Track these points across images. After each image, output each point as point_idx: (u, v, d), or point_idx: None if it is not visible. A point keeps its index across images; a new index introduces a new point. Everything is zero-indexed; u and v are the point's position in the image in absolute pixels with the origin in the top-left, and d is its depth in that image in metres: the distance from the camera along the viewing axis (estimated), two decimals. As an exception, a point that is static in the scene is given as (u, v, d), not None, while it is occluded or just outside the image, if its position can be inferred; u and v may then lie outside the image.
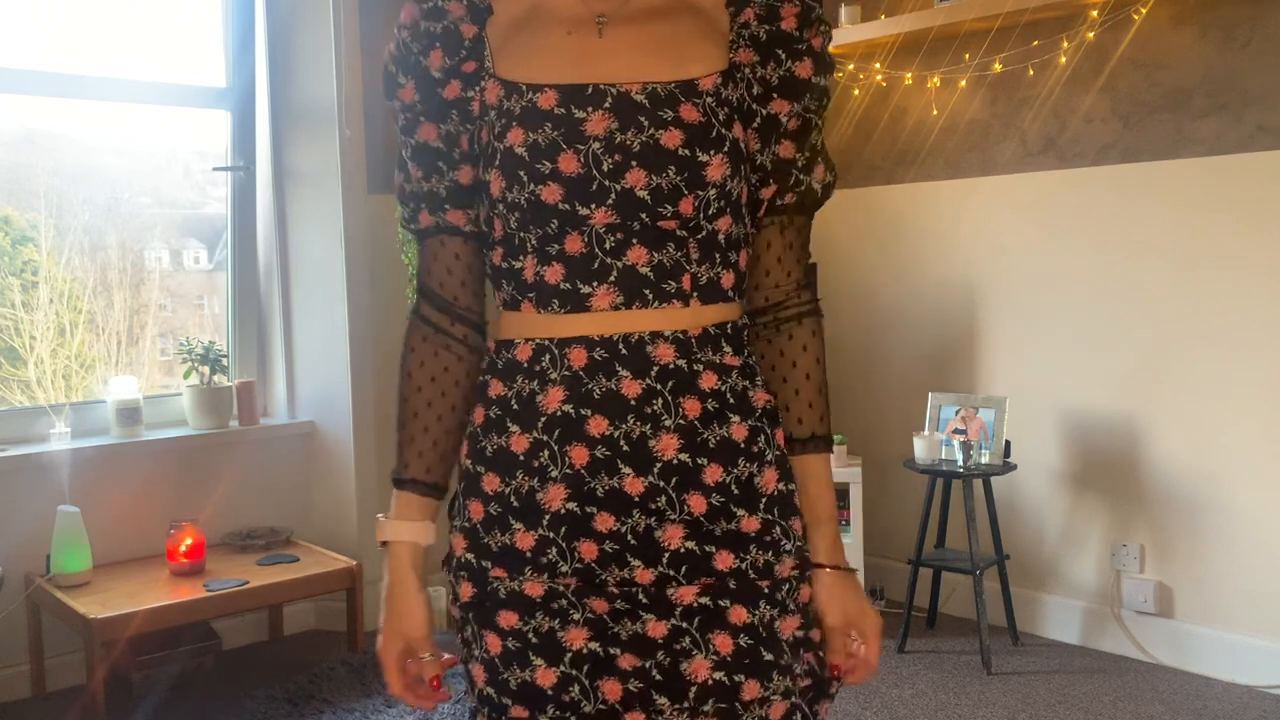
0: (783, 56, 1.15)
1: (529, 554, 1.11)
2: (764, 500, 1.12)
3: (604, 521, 1.09)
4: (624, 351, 1.10)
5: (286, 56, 3.51)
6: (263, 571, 3.09)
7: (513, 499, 1.12)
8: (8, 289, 3.28)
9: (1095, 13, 3.11)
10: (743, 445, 1.12)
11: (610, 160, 1.09)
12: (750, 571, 1.10)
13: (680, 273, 1.11)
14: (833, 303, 3.72)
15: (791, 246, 1.19)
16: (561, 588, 1.10)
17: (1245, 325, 2.97)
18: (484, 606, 1.13)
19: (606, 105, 1.10)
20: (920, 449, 3.31)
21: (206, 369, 3.37)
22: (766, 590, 1.10)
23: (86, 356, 3.44)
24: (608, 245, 1.10)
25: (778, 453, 1.15)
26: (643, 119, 1.09)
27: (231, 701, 2.93)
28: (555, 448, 1.10)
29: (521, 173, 1.10)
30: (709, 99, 1.11)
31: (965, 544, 3.27)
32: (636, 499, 1.09)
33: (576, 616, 1.10)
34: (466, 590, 1.14)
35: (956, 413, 3.35)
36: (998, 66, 3.31)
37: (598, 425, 1.09)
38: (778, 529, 1.12)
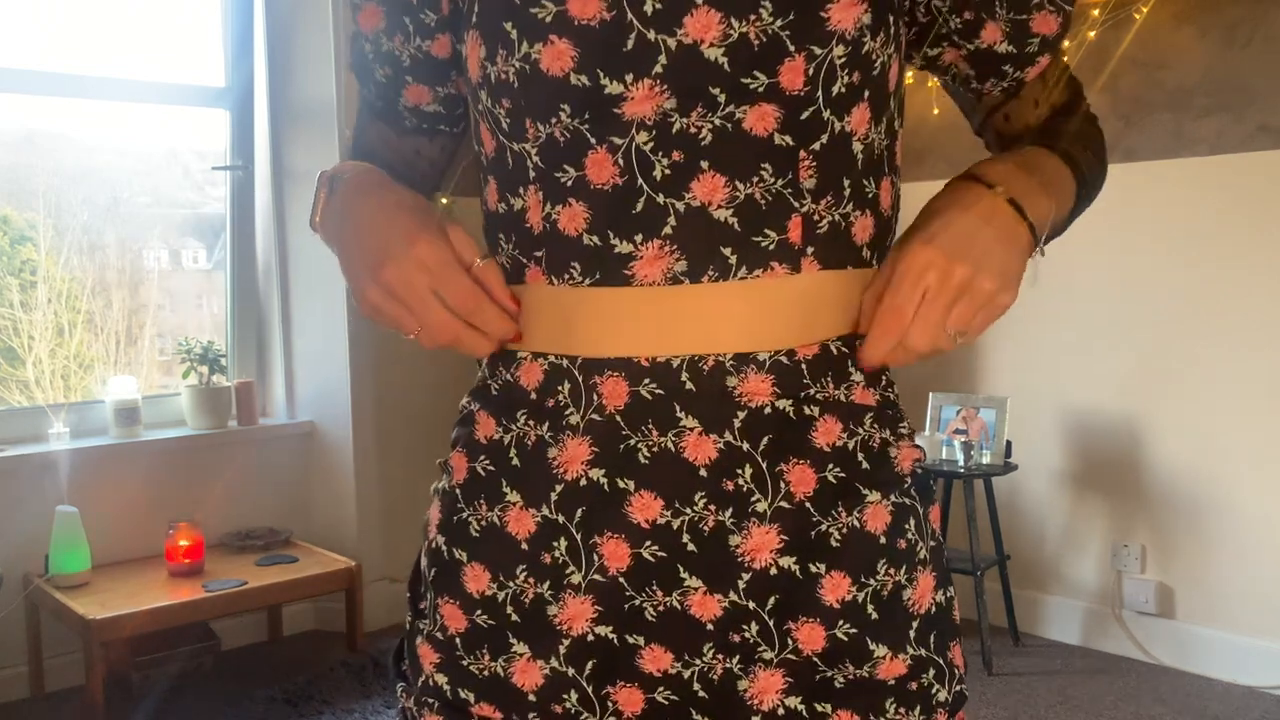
0: None
1: (533, 696, 0.73)
2: (915, 625, 0.71)
3: (655, 660, 0.70)
4: (689, 385, 0.68)
5: (286, 56, 3.50)
6: (262, 572, 3.08)
7: (510, 609, 0.73)
8: (6, 289, 3.27)
9: (1096, 11, 3.11)
10: (884, 539, 0.71)
11: None
12: None
13: (785, 213, 0.67)
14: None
15: (1025, 98, 0.82)
16: None
17: (1247, 325, 2.96)
18: None
19: None
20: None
21: (205, 369, 3.36)
22: None
23: (85, 356, 3.44)
24: (660, 164, 0.66)
25: (933, 544, 0.74)
26: None
27: (230, 702, 2.93)
28: (578, 536, 0.71)
29: (508, 24, 0.67)
30: None
31: (966, 544, 3.26)
32: (710, 627, 0.70)
33: None
34: None
35: (957, 413, 3.34)
36: (998, 66, 3.31)
37: (645, 507, 0.70)
38: (932, 670, 0.71)
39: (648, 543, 0.69)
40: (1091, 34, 3.14)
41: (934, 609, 0.72)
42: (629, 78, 0.64)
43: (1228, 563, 3.04)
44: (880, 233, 0.71)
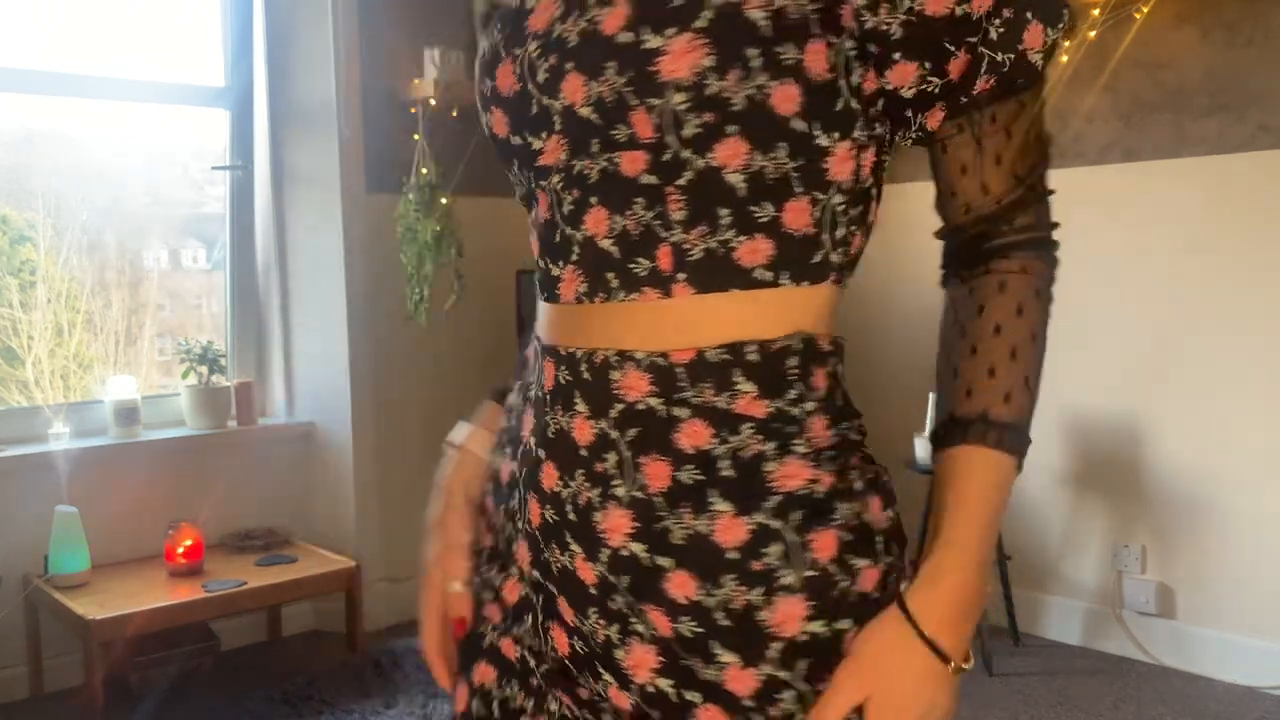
0: None
1: (511, 610, 0.86)
2: (774, 648, 0.73)
3: (565, 611, 0.79)
4: (586, 375, 0.77)
5: (285, 55, 3.50)
6: (261, 572, 3.08)
7: (500, 536, 0.87)
8: (5, 289, 3.27)
9: (1097, 11, 3.10)
10: (735, 555, 0.73)
11: (547, 64, 0.75)
12: None
13: (653, 243, 0.74)
14: (833, 302, 3.72)
15: (986, 150, 0.78)
16: (536, 667, 0.84)
17: (1247, 325, 2.96)
18: (471, 638, 0.89)
19: None
20: (921, 450, 3.30)
21: (205, 369, 3.36)
22: None
23: (85, 356, 3.44)
24: (565, 201, 0.77)
25: (811, 574, 0.73)
26: None
27: (230, 702, 2.93)
28: (522, 490, 0.82)
29: (477, 100, 0.83)
30: None
31: (966, 544, 3.26)
32: (593, 591, 0.77)
33: (552, 707, 0.84)
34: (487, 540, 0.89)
35: (957, 413, 3.34)
36: (998, 66, 3.31)
37: (548, 476, 0.79)
38: (790, 696, 0.73)
39: (548, 507, 0.79)
40: (1091, 34, 3.14)
41: (803, 639, 0.73)
42: (542, 134, 0.77)
43: (1228, 563, 3.04)
44: (794, 250, 0.74)
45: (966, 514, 0.78)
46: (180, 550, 3.05)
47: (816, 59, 0.70)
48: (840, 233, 0.76)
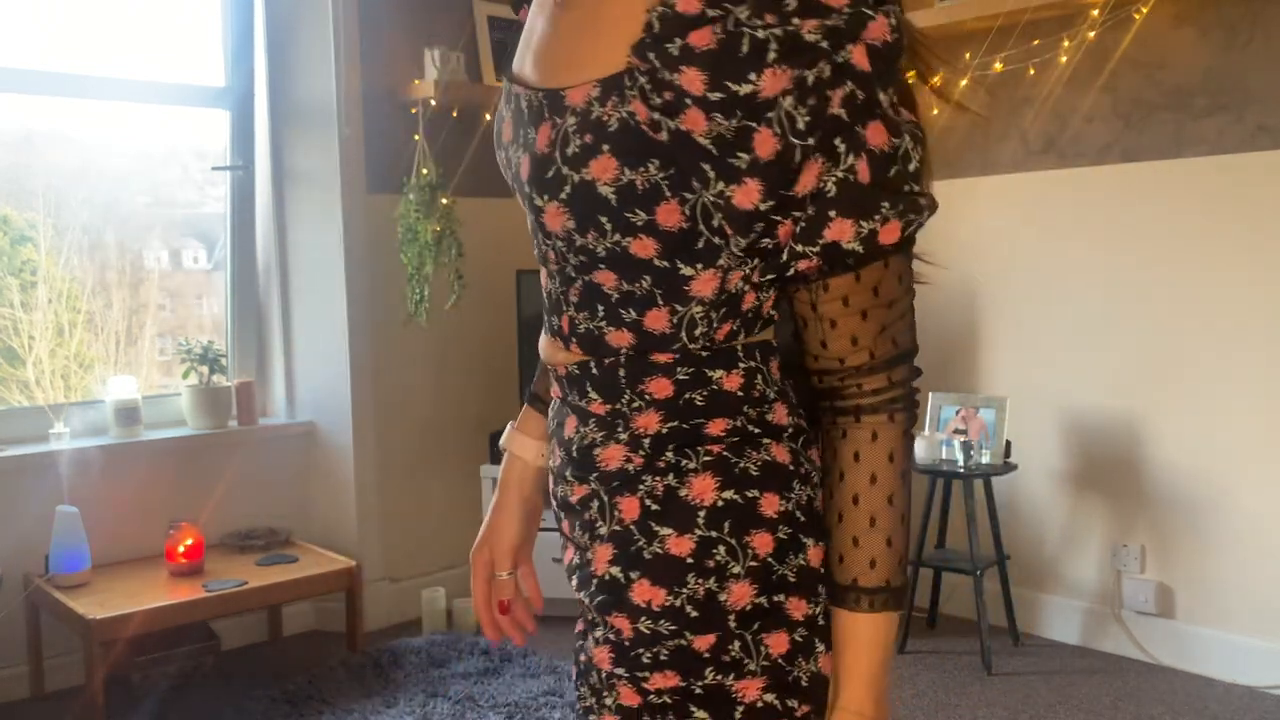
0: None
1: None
2: (596, 578, 0.93)
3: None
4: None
5: (286, 56, 3.51)
6: (262, 572, 3.08)
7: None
8: (6, 289, 3.27)
9: (1096, 12, 3.11)
10: (578, 507, 0.96)
11: (509, 167, 0.97)
12: None
13: (560, 309, 0.94)
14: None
15: (823, 316, 0.86)
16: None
17: (1246, 325, 2.97)
18: None
19: (512, 107, 0.95)
20: (921, 449, 3.30)
21: (205, 369, 3.36)
22: None
23: (85, 356, 3.44)
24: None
25: (616, 529, 0.91)
26: (521, 132, 0.92)
27: (231, 702, 2.93)
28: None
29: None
30: (570, 121, 0.85)
31: (966, 544, 3.26)
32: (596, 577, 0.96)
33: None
34: None
35: (957, 413, 3.34)
36: (998, 66, 3.31)
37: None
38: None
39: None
40: (1091, 34, 3.14)
41: (608, 577, 0.90)
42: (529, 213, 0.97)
43: (1227, 563, 3.04)
44: (651, 343, 0.89)
45: (855, 678, 0.88)
46: (181, 550, 3.05)
47: (669, 215, 0.83)
48: (700, 330, 0.89)
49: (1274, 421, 2.93)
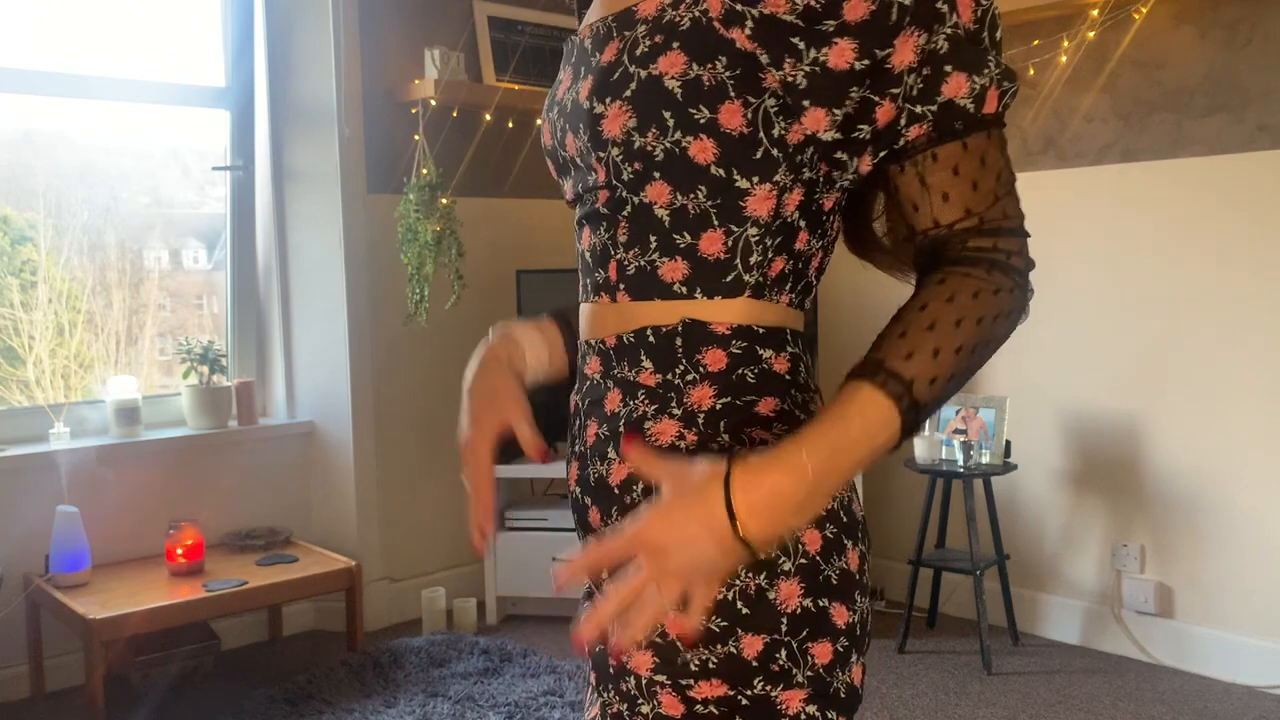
0: None
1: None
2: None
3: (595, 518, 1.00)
4: (584, 358, 0.99)
5: (286, 56, 3.51)
6: (262, 572, 3.09)
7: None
8: (6, 289, 3.27)
9: (1096, 12, 3.11)
10: (617, 490, 0.91)
11: (560, 125, 0.95)
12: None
13: (606, 259, 0.92)
14: (833, 302, 3.72)
15: (933, 188, 0.84)
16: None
17: (1246, 325, 2.97)
18: None
19: (573, 57, 0.95)
20: (920, 449, 3.31)
21: (205, 369, 3.36)
22: None
23: (85, 356, 3.44)
24: (578, 224, 0.98)
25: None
26: (582, 67, 0.92)
27: (231, 702, 2.93)
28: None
29: None
30: (641, 29, 0.87)
31: (965, 544, 3.26)
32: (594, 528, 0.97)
33: None
34: None
35: (957, 412, 3.34)
36: (998, 66, 3.31)
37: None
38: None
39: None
40: (1091, 34, 3.15)
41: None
42: (564, 179, 0.98)
43: (1227, 563, 3.05)
44: (698, 272, 0.88)
45: (824, 429, 0.79)
46: (181, 550, 3.05)
47: (731, 117, 0.84)
48: (754, 258, 0.88)
49: (1274, 421, 2.93)
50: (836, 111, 0.82)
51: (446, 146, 3.63)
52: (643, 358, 0.90)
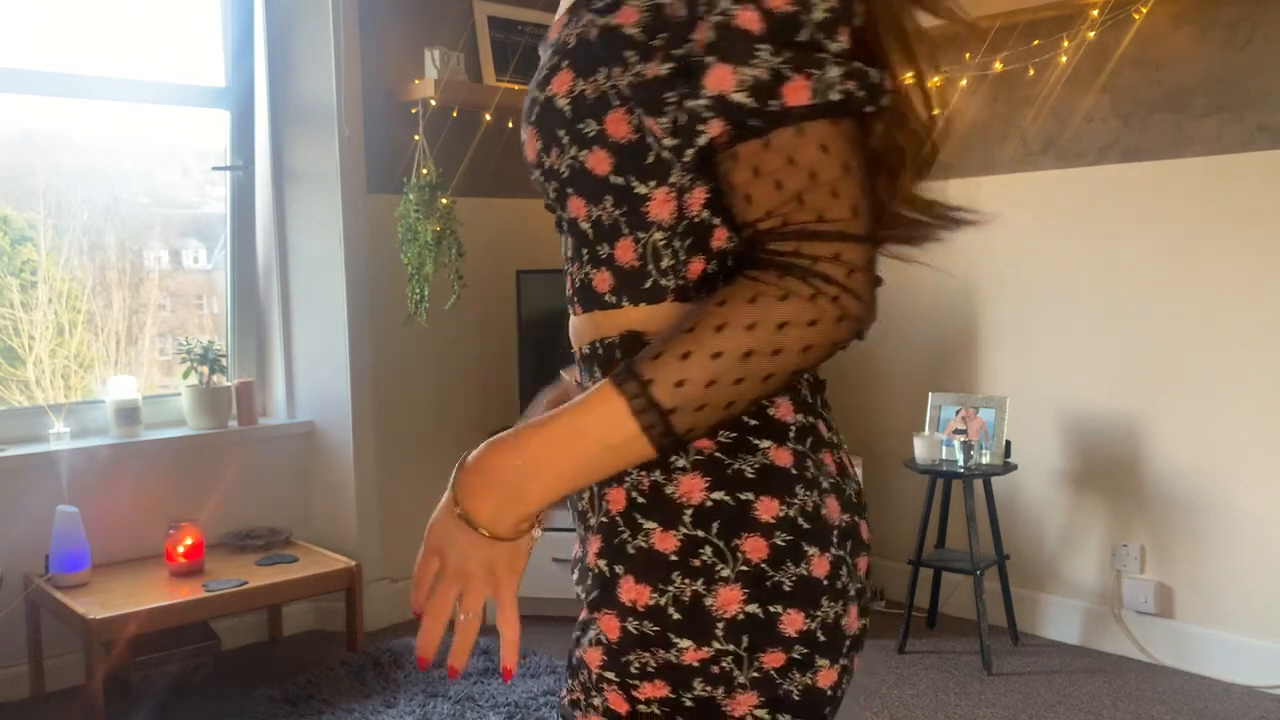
0: None
1: None
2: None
3: None
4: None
5: (286, 56, 3.51)
6: (262, 572, 3.08)
7: None
8: (6, 289, 3.27)
9: (1096, 12, 3.11)
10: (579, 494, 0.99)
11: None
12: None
13: (566, 272, 0.96)
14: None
15: (736, 187, 0.80)
16: None
17: (1246, 325, 2.97)
18: None
19: None
20: (920, 449, 3.31)
21: (205, 369, 3.36)
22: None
23: (85, 356, 3.44)
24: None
25: (602, 520, 0.88)
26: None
27: (231, 702, 2.93)
28: None
29: None
30: (547, 53, 0.91)
31: (965, 544, 3.26)
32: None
33: None
34: None
35: (957, 413, 3.34)
36: (998, 66, 3.31)
37: None
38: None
39: None
40: (1091, 34, 3.15)
41: (597, 570, 0.86)
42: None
43: (1227, 563, 3.04)
44: (618, 281, 0.88)
45: (556, 416, 0.80)
46: (181, 550, 3.05)
47: (618, 126, 0.85)
48: (665, 262, 0.87)
49: (1274, 421, 2.93)
50: (663, 119, 0.81)
51: (446, 146, 3.62)
52: (596, 369, 0.91)
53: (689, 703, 0.83)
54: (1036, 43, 3.24)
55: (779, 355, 0.76)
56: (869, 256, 0.78)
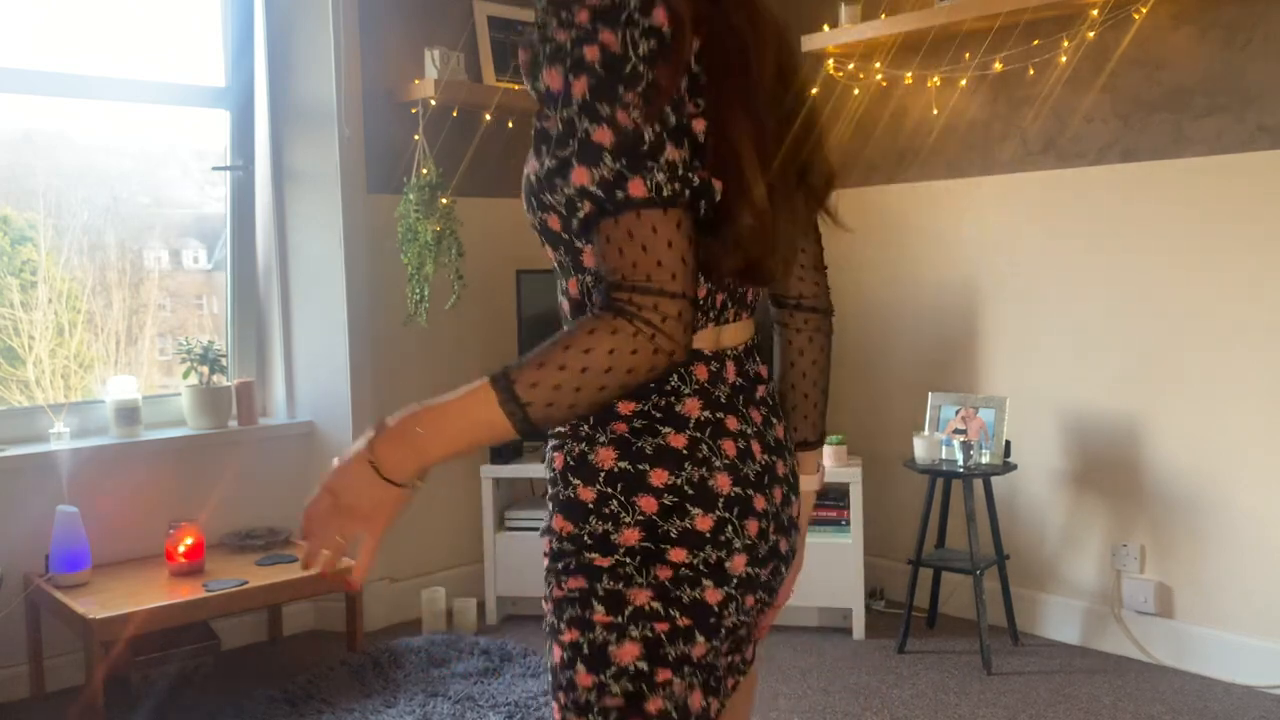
0: None
1: None
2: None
3: None
4: None
5: (286, 56, 3.51)
6: (262, 571, 3.09)
7: None
8: (6, 289, 3.27)
9: (1095, 12, 3.11)
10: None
11: None
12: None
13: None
14: (834, 302, 3.71)
15: (594, 245, 1.05)
16: None
17: (1246, 325, 2.97)
18: None
19: None
20: (920, 449, 3.31)
21: (205, 369, 3.36)
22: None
23: (85, 356, 3.44)
24: None
25: (550, 474, 1.18)
26: None
27: (231, 702, 2.93)
28: None
29: None
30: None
31: (965, 544, 3.26)
32: None
33: None
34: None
35: (956, 413, 3.34)
36: (998, 66, 3.31)
37: None
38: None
39: None
40: (1091, 34, 3.15)
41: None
42: None
43: (1227, 563, 3.05)
44: (575, 306, 1.14)
45: (447, 397, 1.05)
46: (181, 550, 3.05)
47: (560, 196, 1.06)
48: (595, 297, 1.10)
49: (1274, 421, 2.93)
50: (558, 199, 1.05)
51: (446, 146, 3.63)
52: None
53: (601, 592, 1.09)
54: (1036, 43, 3.24)
55: (609, 373, 1.00)
56: (680, 309, 1.00)
